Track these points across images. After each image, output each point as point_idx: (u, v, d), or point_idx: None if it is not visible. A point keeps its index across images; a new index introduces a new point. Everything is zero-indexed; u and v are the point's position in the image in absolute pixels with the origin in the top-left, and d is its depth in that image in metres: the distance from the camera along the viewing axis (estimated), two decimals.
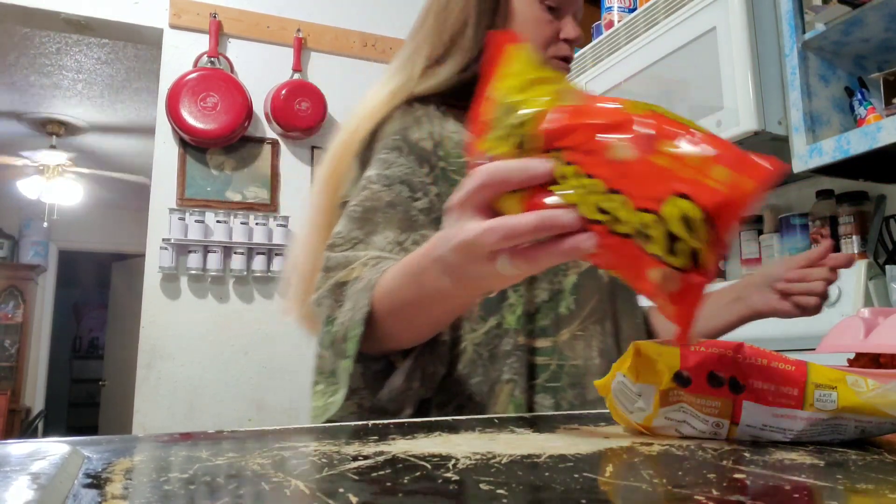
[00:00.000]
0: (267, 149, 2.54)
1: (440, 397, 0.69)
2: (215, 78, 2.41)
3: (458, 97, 0.80)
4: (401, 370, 0.62)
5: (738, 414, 0.42)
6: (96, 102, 4.05)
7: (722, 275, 1.87)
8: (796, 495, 0.30)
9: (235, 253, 2.41)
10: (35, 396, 5.80)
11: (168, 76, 2.42)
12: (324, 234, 0.76)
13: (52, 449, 0.32)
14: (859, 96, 1.43)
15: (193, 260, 2.35)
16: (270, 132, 2.56)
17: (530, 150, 0.40)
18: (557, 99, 0.40)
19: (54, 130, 4.36)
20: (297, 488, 0.29)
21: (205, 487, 0.30)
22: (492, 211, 0.42)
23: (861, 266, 1.37)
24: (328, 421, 0.62)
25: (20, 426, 5.17)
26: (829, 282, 0.82)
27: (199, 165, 2.44)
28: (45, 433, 6.09)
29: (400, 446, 0.39)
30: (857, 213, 1.52)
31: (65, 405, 7.46)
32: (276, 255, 2.46)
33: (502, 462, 0.35)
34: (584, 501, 0.28)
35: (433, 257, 0.49)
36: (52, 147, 4.38)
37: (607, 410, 0.49)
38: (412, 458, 0.36)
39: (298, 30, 2.61)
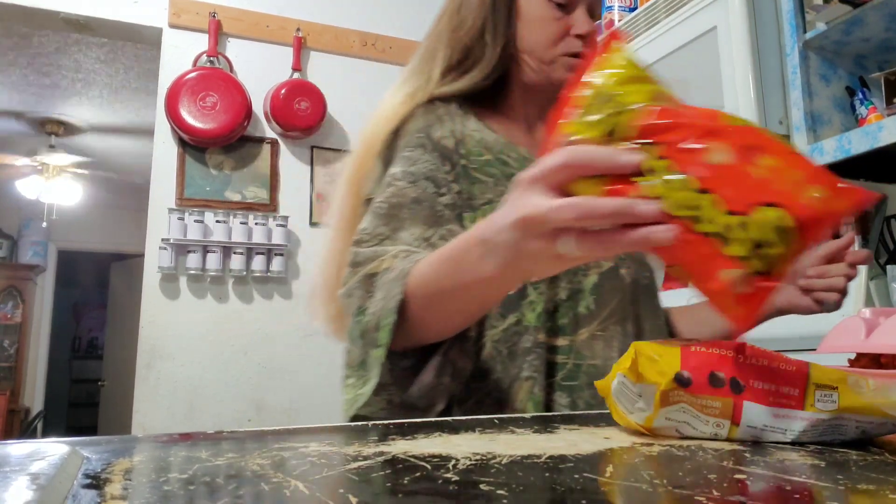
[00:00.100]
0: (266, 148, 2.54)
1: (460, 394, 0.69)
2: (215, 77, 2.41)
3: (479, 97, 0.82)
4: (430, 366, 0.63)
5: (739, 414, 0.42)
6: (95, 102, 4.05)
7: None
8: (797, 496, 0.30)
9: (235, 253, 2.41)
10: (34, 397, 5.80)
11: (167, 76, 2.42)
12: (349, 235, 0.76)
13: (52, 449, 0.32)
14: (860, 96, 1.43)
15: (193, 260, 2.35)
16: (270, 132, 2.56)
17: (620, 140, 0.41)
18: (655, 97, 0.42)
19: (53, 130, 4.35)
20: (297, 488, 0.29)
21: (204, 488, 0.30)
22: (563, 192, 0.42)
23: (862, 266, 1.37)
24: (357, 418, 0.62)
25: (19, 426, 5.16)
26: (850, 277, 0.82)
27: (199, 165, 2.44)
28: (45, 433, 6.09)
29: (400, 447, 0.39)
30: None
31: (64, 405, 7.46)
32: (276, 255, 2.46)
33: (502, 462, 0.35)
34: (584, 502, 0.28)
35: (478, 240, 0.50)
36: (52, 147, 4.38)
37: (608, 410, 0.49)
38: (412, 459, 0.35)
39: (298, 29, 2.61)
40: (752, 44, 1.46)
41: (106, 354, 6.02)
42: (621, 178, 0.40)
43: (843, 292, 0.82)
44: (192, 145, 2.42)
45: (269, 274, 2.46)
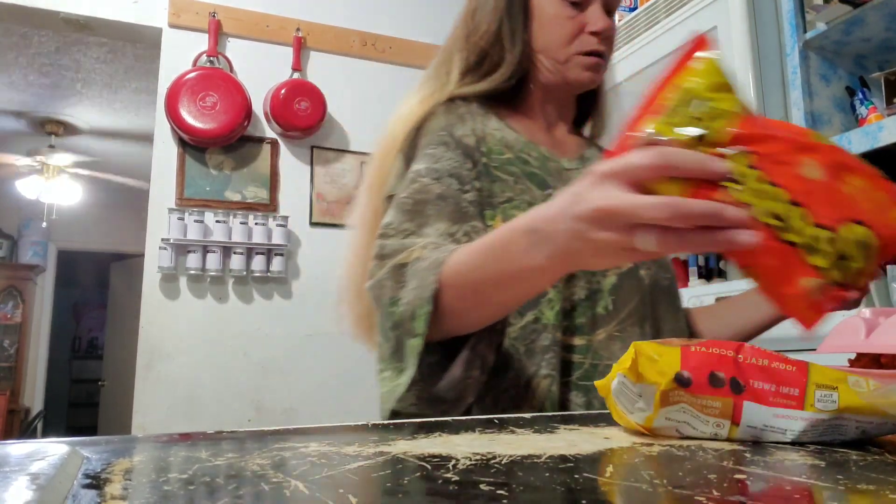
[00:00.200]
0: (266, 148, 2.54)
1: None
2: (214, 77, 2.41)
3: (499, 97, 0.82)
4: (459, 359, 0.63)
5: (739, 414, 0.42)
6: (95, 102, 4.05)
7: (722, 274, 1.87)
8: (797, 496, 0.30)
9: (235, 253, 2.41)
10: (34, 397, 5.80)
11: (167, 75, 2.42)
12: (373, 236, 0.76)
13: (52, 449, 0.32)
14: (860, 96, 1.43)
15: (192, 260, 2.35)
16: (270, 132, 2.56)
17: (709, 145, 0.42)
18: (742, 107, 0.43)
19: (53, 130, 4.35)
20: (297, 488, 0.29)
21: (204, 488, 0.30)
22: (640, 188, 0.43)
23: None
24: (394, 414, 0.63)
25: (19, 426, 5.16)
26: (873, 277, 0.82)
27: (199, 165, 2.44)
28: (45, 433, 6.09)
29: (400, 447, 0.39)
30: None
31: (64, 405, 7.46)
32: (276, 255, 2.46)
33: (502, 462, 0.34)
34: (584, 502, 0.28)
35: (526, 229, 0.51)
36: (52, 147, 4.38)
37: (608, 410, 0.48)
38: (412, 459, 0.35)
39: (298, 29, 2.61)
40: (752, 44, 1.46)
41: (106, 354, 6.02)
42: (706, 182, 0.42)
43: (865, 290, 0.82)
44: (192, 145, 2.42)
45: (269, 274, 2.46)
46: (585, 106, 0.93)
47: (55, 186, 4.46)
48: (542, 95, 0.85)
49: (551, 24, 0.80)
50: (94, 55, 3.46)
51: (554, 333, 0.71)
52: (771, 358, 0.43)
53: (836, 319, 0.65)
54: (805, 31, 1.44)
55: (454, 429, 0.47)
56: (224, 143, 2.43)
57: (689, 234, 0.41)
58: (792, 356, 0.43)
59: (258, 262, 2.43)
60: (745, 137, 0.42)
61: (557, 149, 0.84)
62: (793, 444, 0.41)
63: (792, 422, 0.41)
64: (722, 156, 0.42)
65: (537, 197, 0.76)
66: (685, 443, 0.42)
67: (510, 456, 0.36)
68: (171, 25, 2.47)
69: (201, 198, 2.42)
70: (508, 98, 0.84)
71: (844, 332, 0.59)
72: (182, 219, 2.35)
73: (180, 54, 2.46)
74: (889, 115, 1.31)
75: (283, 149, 2.57)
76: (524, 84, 0.84)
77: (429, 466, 0.34)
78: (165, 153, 2.41)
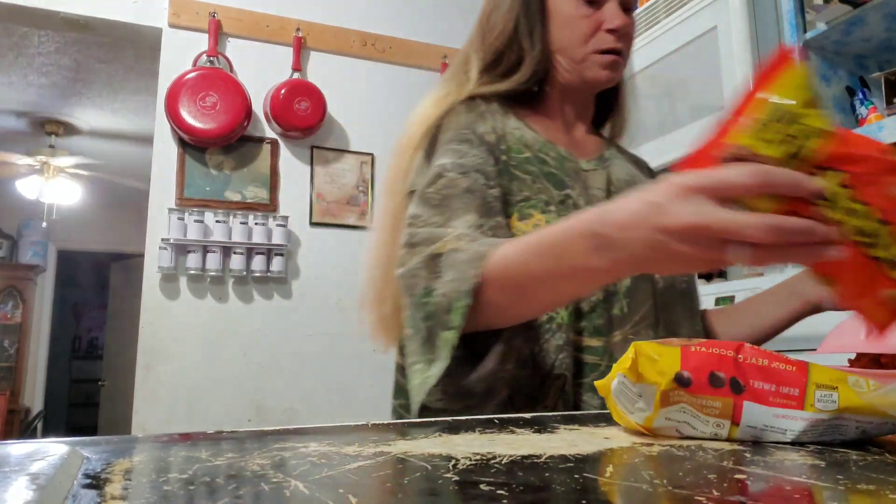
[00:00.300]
0: (266, 148, 2.54)
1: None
2: (214, 77, 2.41)
3: (518, 97, 0.83)
4: (493, 353, 0.63)
5: (739, 414, 0.42)
6: (95, 102, 4.04)
7: (723, 274, 1.87)
8: (797, 496, 0.30)
9: (235, 253, 2.41)
10: (34, 397, 5.80)
11: (167, 76, 2.42)
12: (395, 236, 0.76)
13: (52, 449, 0.32)
14: (860, 96, 1.43)
15: (192, 260, 2.35)
16: (270, 132, 2.55)
17: (801, 162, 0.43)
18: (830, 123, 0.44)
19: (53, 130, 4.35)
20: (297, 488, 0.29)
21: (204, 488, 0.30)
22: (728, 202, 0.43)
23: None
24: (423, 409, 0.62)
25: (19, 426, 5.16)
26: None
27: (198, 165, 2.43)
28: (45, 433, 6.09)
29: (400, 447, 0.39)
30: None
31: (64, 405, 7.45)
32: (276, 255, 2.46)
33: (502, 462, 0.34)
34: (584, 502, 0.28)
35: (588, 232, 0.51)
36: (51, 147, 4.38)
37: (608, 410, 0.48)
38: (412, 459, 0.35)
39: (298, 29, 2.61)
40: (752, 43, 1.46)
41: (106, 354, 6.01)
42: (798, 198, 0.43)
43: None
44: (192, 145, 2.42)
45: (269, 274, 2.46)
46: (605, 105, 0.93)
47: (55, 186, 4.46)
48: (561, 95, 0.85)
49: (568, 23, 0.80)
50: (94, 55, 3.46)
51: (567, 333, 0.71)
52: (771, 358, 0.43)
53: (836, 320, 0.65)
54: (805, 31, 1.44)
55: (454, 429, 0.47)
56: (224, 143, 2.43)
57: (780, 248, 0.42)
58: (792, 356, 0.43)
59: (258, 262, 2.43)
60: (840, 156, 0.43)
61: (576, 149, 0.84)
62: (793, 444, 0.41)
63: (792, 422, 0.41)
64: (814, 174, 0.43)
65: (554, 197, 0.76)
66: (685, 443, 0.42)
67: (510, 456, 0.36)
68: (171, 25, 2.46)
69: (201, 198, 2.42)
70: (528, 98, 0.85)
71: (844, 332, 0.59)
72: (182, 219, 2.35)
73: (180, 54, 2.46)
74: (889, 115, 1.31)
75: (283, 149, 2.57)
76: (543, 84, 0.85)
77: (429, 466, 0.34)
78: (165, 153, 2.41)
